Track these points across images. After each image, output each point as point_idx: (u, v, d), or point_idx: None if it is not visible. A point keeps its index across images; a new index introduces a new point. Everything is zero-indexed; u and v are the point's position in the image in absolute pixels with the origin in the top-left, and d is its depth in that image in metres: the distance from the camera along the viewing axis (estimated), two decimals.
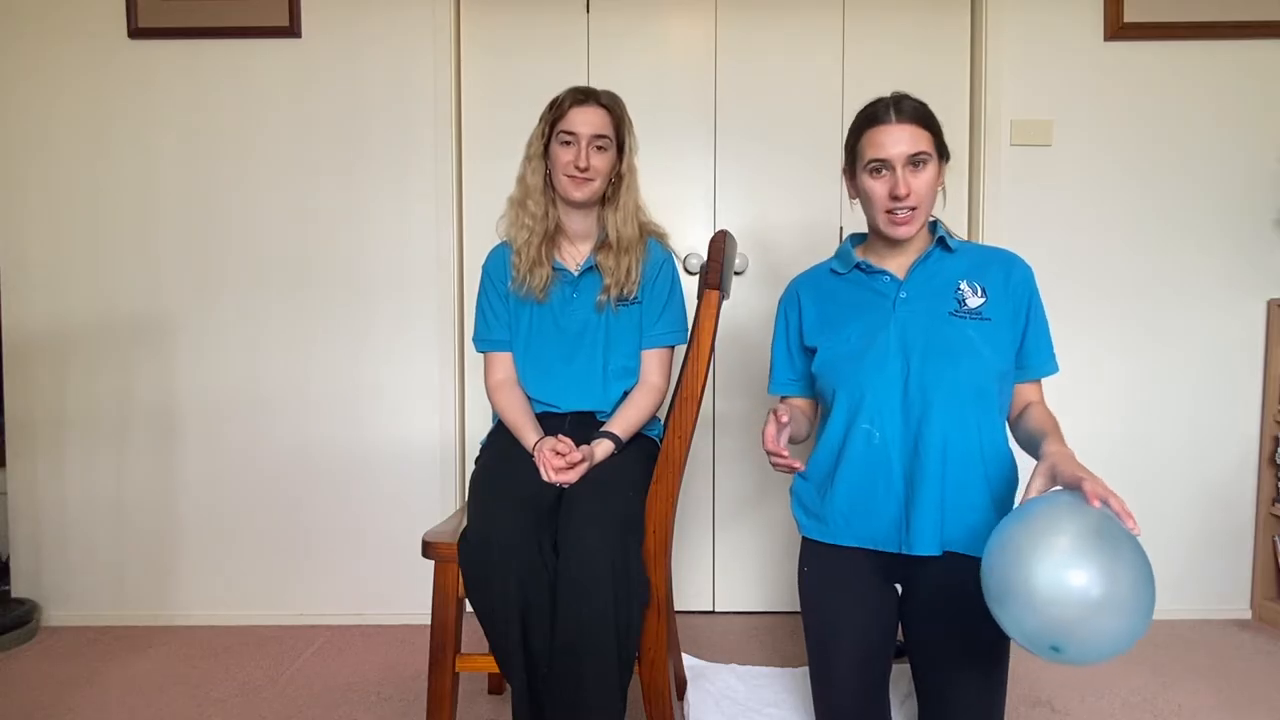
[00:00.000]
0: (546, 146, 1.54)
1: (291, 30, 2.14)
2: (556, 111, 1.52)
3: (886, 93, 1.31)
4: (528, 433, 1.50)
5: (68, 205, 2.17)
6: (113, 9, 2.14)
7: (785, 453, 1.19)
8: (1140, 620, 0.97)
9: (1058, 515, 1.02)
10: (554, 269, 1.57)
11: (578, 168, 1.49)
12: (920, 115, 1.28)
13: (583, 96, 1.52)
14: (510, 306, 1.60)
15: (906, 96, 1.30)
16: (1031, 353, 1.31)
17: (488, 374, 1.62)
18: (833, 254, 1.42)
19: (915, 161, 1.26)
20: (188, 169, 2.17)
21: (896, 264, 1.34)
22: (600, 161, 1.52)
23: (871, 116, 1.29)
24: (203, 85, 2.16)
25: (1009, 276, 1.31)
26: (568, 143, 1.51)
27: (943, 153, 1.31)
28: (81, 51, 2.15)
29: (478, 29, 2.21)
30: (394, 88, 2.16)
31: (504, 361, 1.61)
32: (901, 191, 1.25)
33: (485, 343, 1.63)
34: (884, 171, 1.27)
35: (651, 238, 1.61)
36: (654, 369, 1.58)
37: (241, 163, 2.17)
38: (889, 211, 1.28)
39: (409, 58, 2.15)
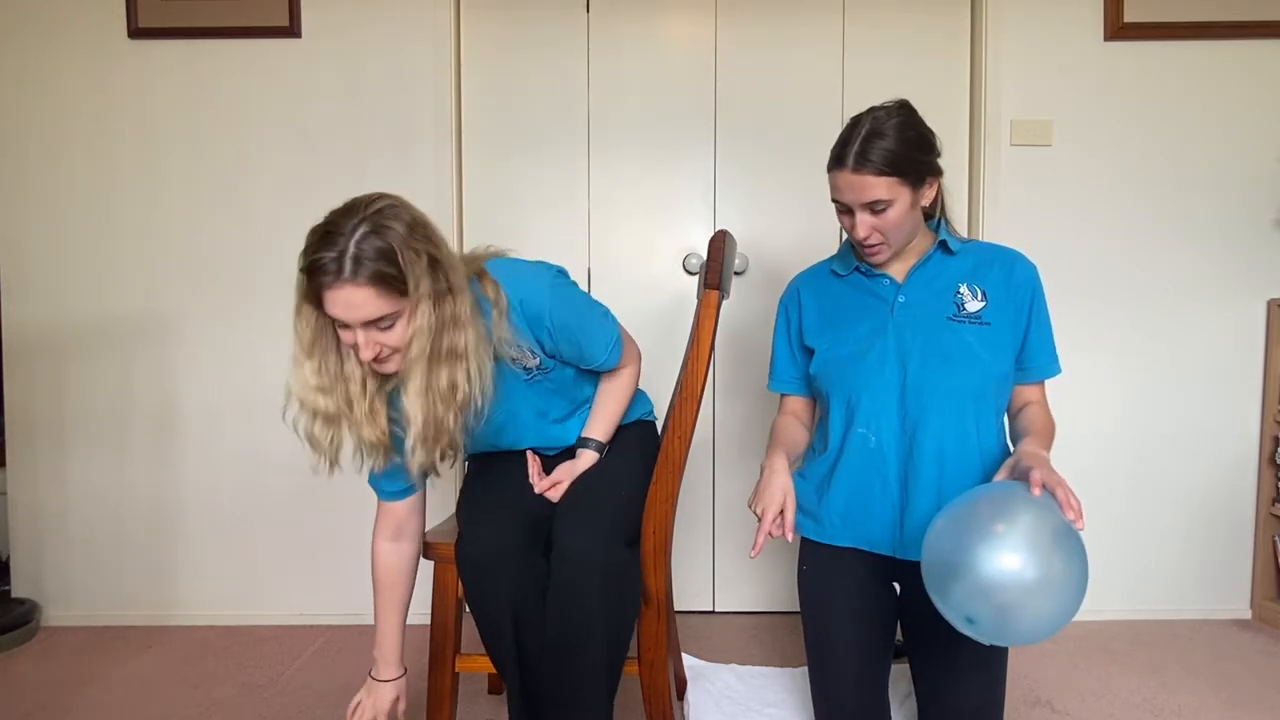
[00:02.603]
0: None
1: (291, 30, 2.13)
2: (311, 287, 1.13)
3: (882, 100, 1.26)
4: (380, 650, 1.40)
5: (67, 205, 2.17)
6: (113, 9, 2.13)
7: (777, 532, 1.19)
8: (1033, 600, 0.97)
9: (986, 498, 1.05)
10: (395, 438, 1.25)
11: (366, 360, 1.15)
12: (884, 162, 1.18)
13: (331, 275, 1.07)
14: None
15: (877, 137, 1.19)
16: (1033, 354, 1.30)
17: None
18: (834, 253, 1.42)
19: (874, 208, 1.22)
20: (187, 169, 2.17)
21: (897, 267, 1.33)
22: (393, 336, 1.13)
23: (836, 155, 1.23)
24: (203, 85, 2.16)
25: (1010, 277, 1.30)
26: (343, 325, 1.14)
27: (920, 180, 1.23)
28: (81, 51, 2.15)
29: (478, 29, 2.21)
30: (394, 88, 2.16)
31: (391, 510, 1.36)
32: (859, 235, 1.24)
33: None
34: (845, 211, 1.26)
35: (473, 279, 1.22)
36: (615, 363, 1.42)
37: (241, 162, 2.17)
38: (859, 243, 1.27)
39: (409, 58, 2.15)
